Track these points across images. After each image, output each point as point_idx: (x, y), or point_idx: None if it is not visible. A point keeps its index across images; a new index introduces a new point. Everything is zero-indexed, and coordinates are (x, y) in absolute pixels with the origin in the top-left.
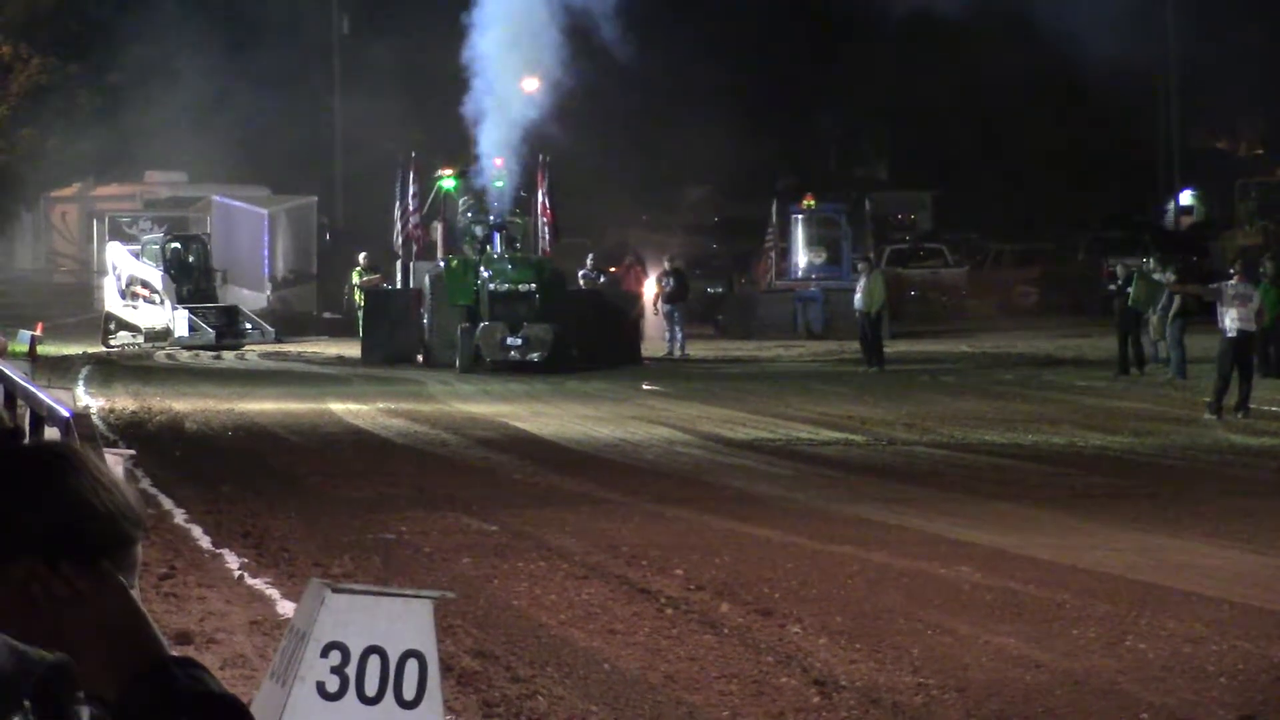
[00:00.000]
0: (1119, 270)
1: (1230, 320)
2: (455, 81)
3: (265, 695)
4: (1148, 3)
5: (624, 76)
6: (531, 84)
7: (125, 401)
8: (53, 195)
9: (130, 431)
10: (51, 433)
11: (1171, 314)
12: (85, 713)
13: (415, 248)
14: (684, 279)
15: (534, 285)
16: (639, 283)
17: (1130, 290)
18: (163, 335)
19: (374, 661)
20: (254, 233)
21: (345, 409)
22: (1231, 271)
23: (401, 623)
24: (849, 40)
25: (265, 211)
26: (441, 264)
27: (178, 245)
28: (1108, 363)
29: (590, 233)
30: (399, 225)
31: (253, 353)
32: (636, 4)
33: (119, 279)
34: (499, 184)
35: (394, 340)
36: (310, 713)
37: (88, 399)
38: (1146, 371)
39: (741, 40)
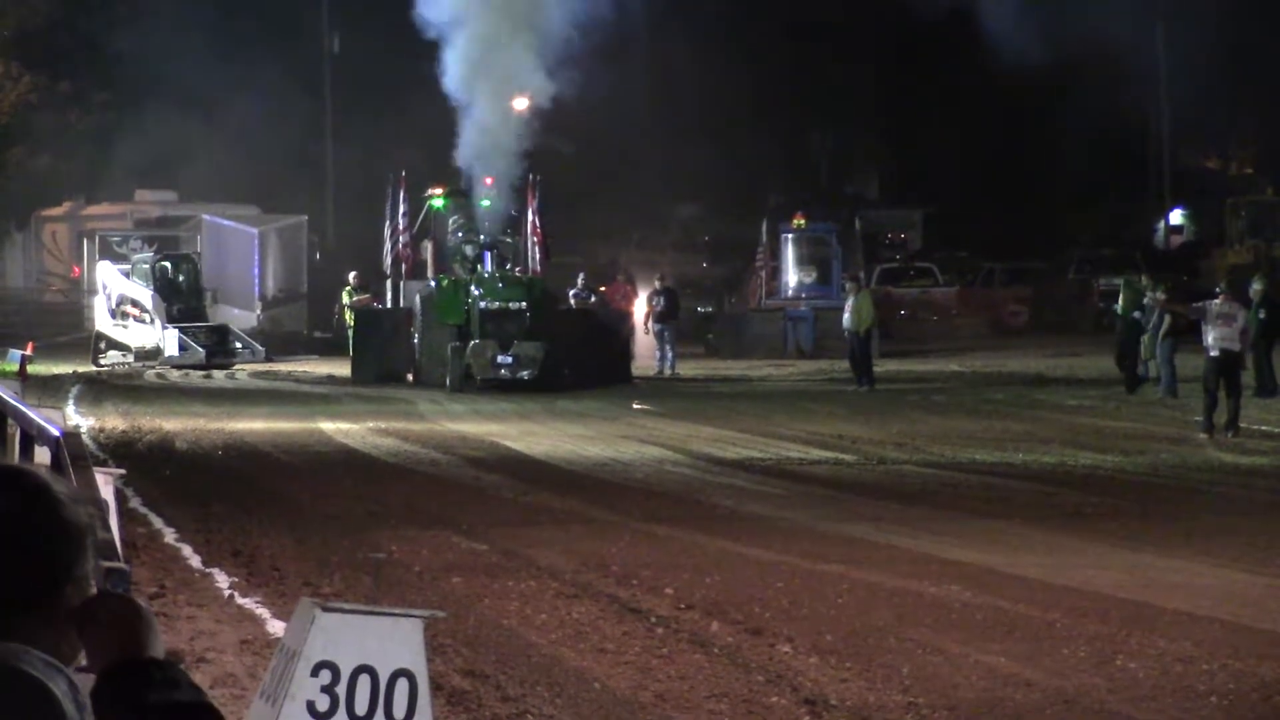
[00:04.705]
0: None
1: (1213, 339)
2: (445, 100)
3: (256, 714)
4: (1139, 22)
5: (614, 95)
6: (521, 103)
7: (115, 421)
8: (43, 214)
9: (120, 451)
10: (41, 452)
11: (1162, 333)
12: (62, 680)
13: (405, 267)
14: (675, 298)
15: (524, 303)
16: (629, 302)
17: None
18: (153, 354)
19: (364, 680)
20: (244, 252)
21: (336, 428)
22: (1217, 291)
23: (392, 642)
24: (840, 58)
25: (255, 230)
26: (432, 283)
27: (168, 264)
28: (1099, 381)
29: (581, 252)
30: (389, 244)
31: (243, 372)
32: (626, 24)
33: (109, 298)
34: (487, 203)
35: (384, 359)
36: None
37: (78, 418)
38: (1136, 393)
39: (731, 59)
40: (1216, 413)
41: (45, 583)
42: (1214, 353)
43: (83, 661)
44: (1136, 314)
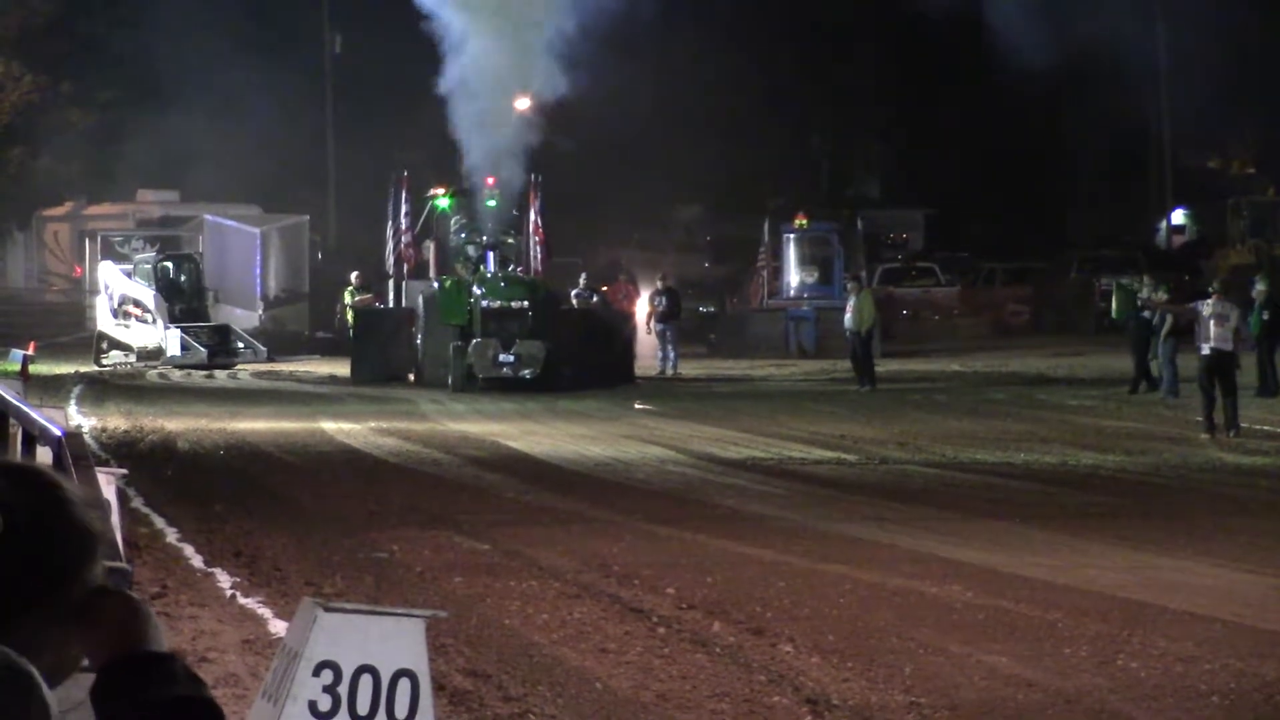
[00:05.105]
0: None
1: (1205, 340)
2: (447, 100)
3: (258, 714)
4: (1140, 22)
5: (617, 96)
6: (523, 103)
7: (117, 421)
8: (45, 214)
9: (122, 451)
10: (43, 452)
11: (1164, 333)
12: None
13: (407, 267)
14: (676, 298)
15: (526, 303)
16: (631, 302)
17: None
18: (155, 354)
19: (366, 680)
20: (246, 252)
21: (337, 428)
22: (1210, 291)
23: (393, 642)
24: (841, 59)
25: (257, 230)
26: (435, 284)
27: (170, 264)
28: (1100, 381)
29: (582, 252)
30: (391, 244)
31: (245, 372)
32: (627, 25)
33: (111, 298)
34: (493, 203)
35: (384, 359)
36: None
37: (80, 418)
38: (1141, 391)
39: (733, 60)
40: (1215, 412)
41: (49, 584)
42: (1205, 352)
43: (85, 661)
44: (1146, 313)
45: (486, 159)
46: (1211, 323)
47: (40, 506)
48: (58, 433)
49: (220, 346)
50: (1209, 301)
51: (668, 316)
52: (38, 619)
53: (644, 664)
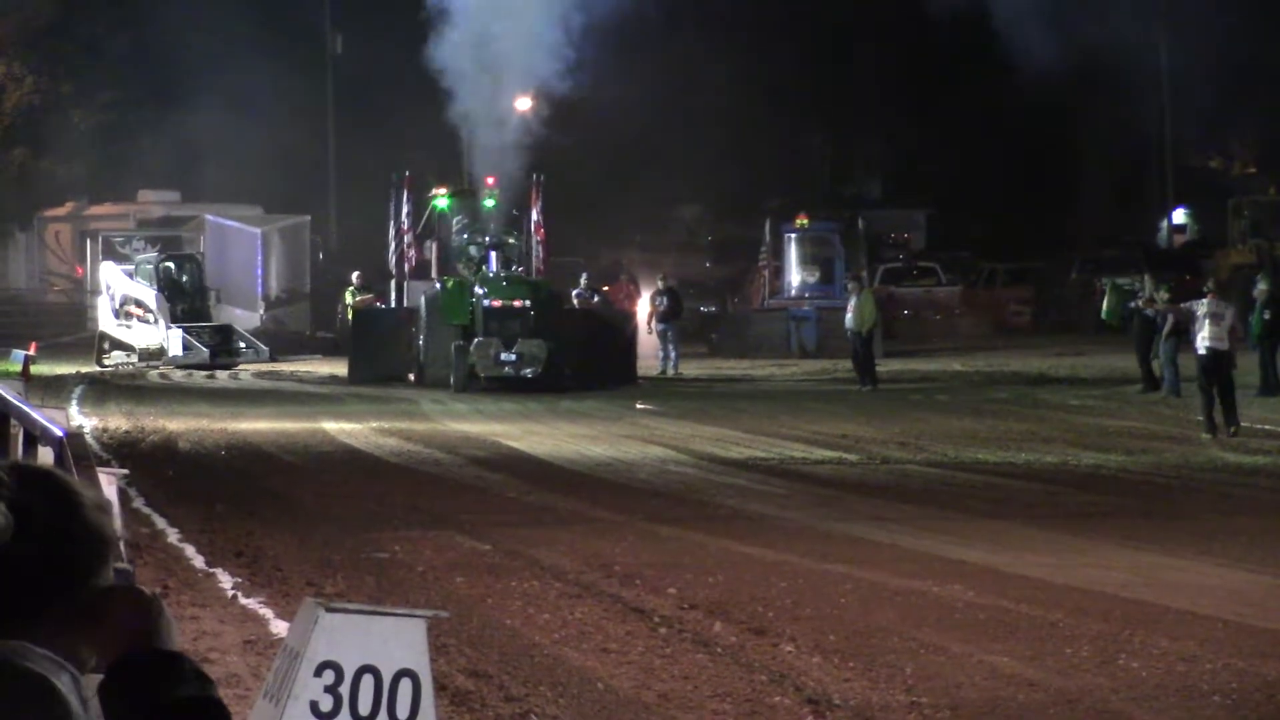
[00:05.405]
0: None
1: (1201, 339)
2: (448, 100)
3: (259, 714)
4: (1142, 23)
5: (618, 96)
6: (525, 103)
7: (119, 421)
8: (46, 214)
9: (123, 451)
10: (44, 452)
11: (1165, 333)
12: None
13: (409, 267)
14: (678, 298)
15: (528, 302)
16: (633, 301)
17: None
18: (157, 354)
19: (367, 681)
20: (247, 252)
21: (339, 428)
22: (1205, 290)
23: (395, 642)
24: (841, 59)
25: (258, 230)
26: (437, 284)
27: (171, 264)
28: (1102, 381)
29: (584, 252)
30: (393, 245)
31: (246, 372)
32: (628, 25)
33: (113, 298)
34: (491, 203)
35: (382, 359)
36: None
37: (81, 418)
38: (1143, 389)
39: (734, 60)
40: (1215, 411)
41: (60, 586)
42: (1201, 351)
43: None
44: (1150, 313)
45: (488, 158)
46: (1207, 322)
47: (52, 509)
48: (59, 433)
49: (222, 346)
50: (1204, 301)
51: (669, 316)
52: (48, 620)
53: (646, 664)
